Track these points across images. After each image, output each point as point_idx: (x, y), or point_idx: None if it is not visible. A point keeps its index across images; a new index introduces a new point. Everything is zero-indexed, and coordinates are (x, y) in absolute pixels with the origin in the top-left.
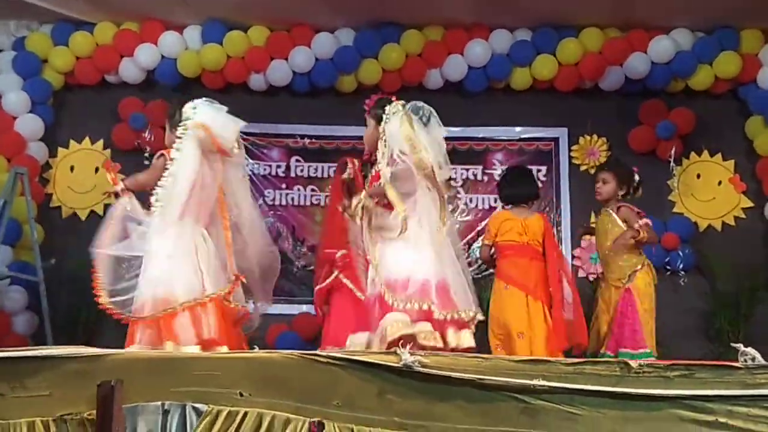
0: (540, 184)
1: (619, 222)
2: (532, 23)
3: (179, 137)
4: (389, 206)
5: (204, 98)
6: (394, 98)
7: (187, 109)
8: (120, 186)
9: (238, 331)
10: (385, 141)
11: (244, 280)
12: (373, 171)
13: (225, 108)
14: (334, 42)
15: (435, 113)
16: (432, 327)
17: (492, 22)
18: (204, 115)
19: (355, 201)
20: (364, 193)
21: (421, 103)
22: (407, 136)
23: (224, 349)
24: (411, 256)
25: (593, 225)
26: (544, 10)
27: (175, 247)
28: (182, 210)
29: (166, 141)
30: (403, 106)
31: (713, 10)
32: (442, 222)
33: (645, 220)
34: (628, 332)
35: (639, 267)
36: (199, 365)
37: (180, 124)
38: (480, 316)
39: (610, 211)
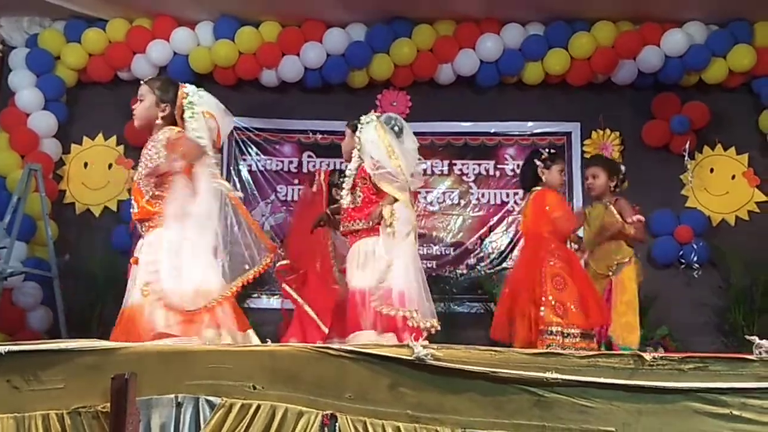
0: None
1: (616, 214)
2: (544, 17)
3: (190, 121)
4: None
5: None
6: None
7: (191, 93)
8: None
9: None
10: (359, 148)
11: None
12: (344, 180)
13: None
14: (345, 37)
15: (407, 125)
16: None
17: (504, 17)
18: (210, 105)
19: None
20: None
21: (394, 115)
22: (384, 143)
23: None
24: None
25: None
26: (556, 4)
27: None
28: None
29: (151, 114)
30: (378, 116)
31: (727, 3)
32: (413, 231)
33: (638, 217)
34: None
35: (626, 260)
36: (213, 358)
37: (188, 108)
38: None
39: (607, 203)
